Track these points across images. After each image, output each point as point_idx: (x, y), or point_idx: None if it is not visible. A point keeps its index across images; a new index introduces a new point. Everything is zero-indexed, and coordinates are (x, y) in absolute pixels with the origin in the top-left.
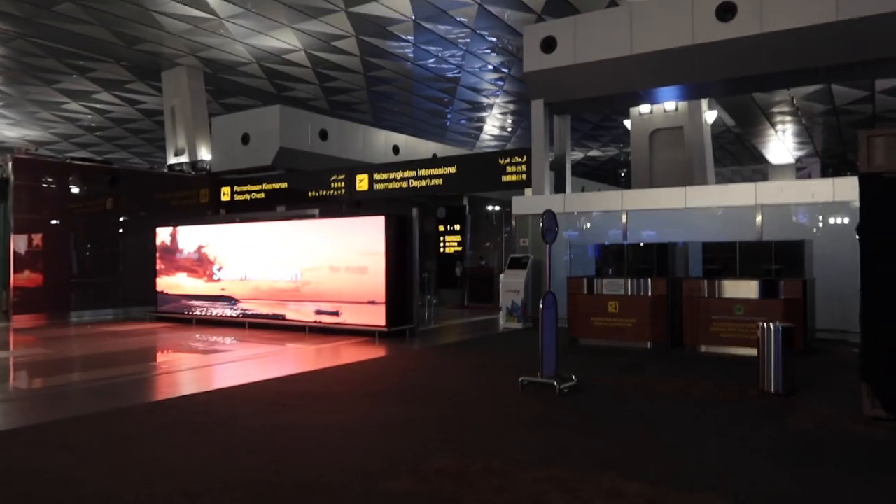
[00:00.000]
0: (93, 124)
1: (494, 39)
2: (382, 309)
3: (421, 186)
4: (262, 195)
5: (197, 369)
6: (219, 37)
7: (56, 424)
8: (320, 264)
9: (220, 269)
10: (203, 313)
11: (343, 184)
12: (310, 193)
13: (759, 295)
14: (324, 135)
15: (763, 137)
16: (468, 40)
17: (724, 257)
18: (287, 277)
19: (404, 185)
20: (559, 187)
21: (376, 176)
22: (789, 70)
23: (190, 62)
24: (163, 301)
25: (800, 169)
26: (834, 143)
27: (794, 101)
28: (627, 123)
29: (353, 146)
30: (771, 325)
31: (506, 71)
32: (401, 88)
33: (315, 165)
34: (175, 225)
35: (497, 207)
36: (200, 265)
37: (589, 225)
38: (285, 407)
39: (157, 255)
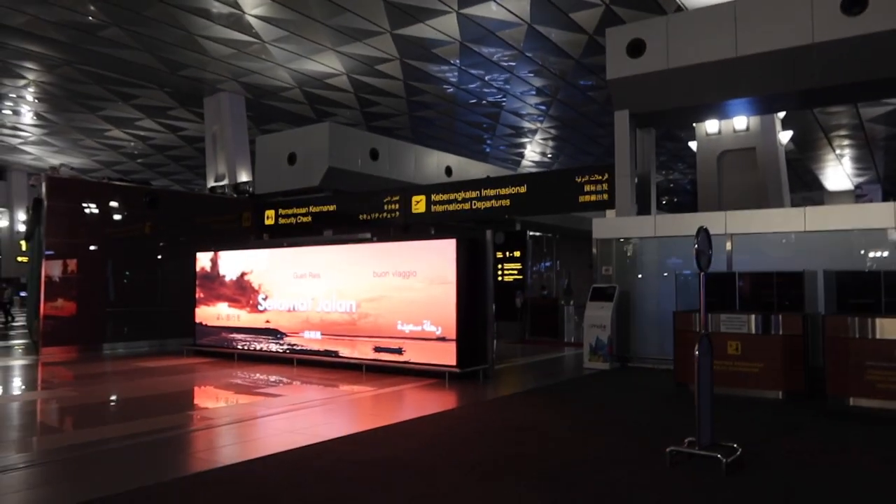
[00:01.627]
0: (135, 151)
1: (541, 62)
2: (453, 346)
3: (485, 208)
4: (308, 218)
5: (243, 423)
6: (261, 61)
7: None
8: (381, 294)
9: (265, 299)
10: (245, 347)
11: (398, 206)
12: (361, 216)
13: None
14: (374, 154)
15: (822, 162)
16: (514, 63)
17: (863, 289)
18: (342, 309)
19: (466, 206)
20: (643, 209)
21: (434, 197)
22: None
23: (232, 87)
24: (201, 333)
25: (859, 196)
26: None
27: (862, 123)
28: (693, 145)
29: (405, 167)
30: None
31: (549, 95)
32: (442, 113)
33: (365, 187)
34: (216, 250)
35: (543, 234)
36: (243, 294)
37: (683, 252)
38: (364, 485)
39: (197, 282)
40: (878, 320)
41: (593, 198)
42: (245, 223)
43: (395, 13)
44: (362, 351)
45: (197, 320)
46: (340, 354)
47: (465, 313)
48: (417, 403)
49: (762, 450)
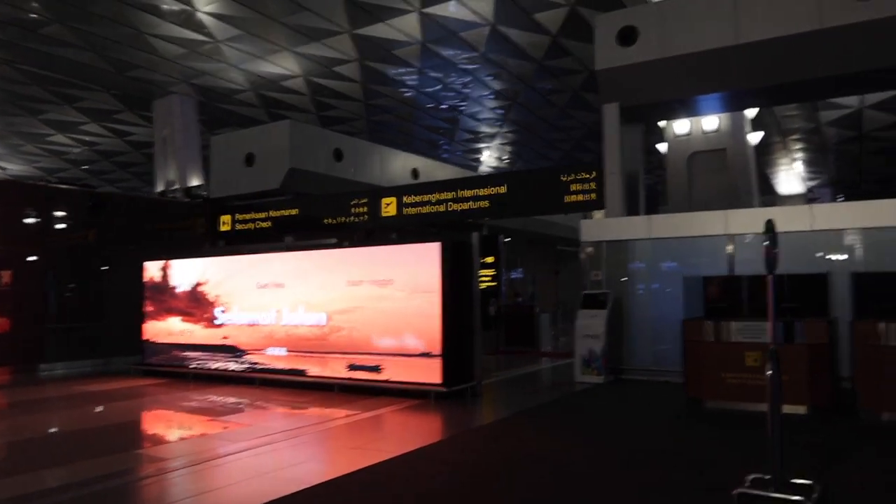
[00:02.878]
0: (79, 158)
1: (503, 65)
2: (438, 363)
3: (462, 210)
4: (268, 224)
5: (201, 466)
6: (214, 62)
7: None
8: (355, 305)
9: (222, 312)
10: (200, 367)
11: (366, 209)
12: (326, 220)
13: None
14: (338, 155)
15: (777, 166)
16: (476, 66)
17: (887, 291)
18: (310, 322)
19: (441, 208)
20: (631, 209)
21: (406, 199)
22: None
23: (183, 90)
24: (151, 351)
25: (811, 200)
26: (850, 172)
27: (819, 127)
28: (663, 147)
29: (371, 169)
30: None
31: (509, 98)
32: (401, 118)
33: (328, 189)
34: (167, 258)
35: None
36: (198, 307)
37: (680, 254)
38: None
39: (145, 294)
40: None
41: (580, 198)
42: (199, 229)
43: (355, 12)
44: (334, 369)
45: (146, 337)
46: (309, 373)
47: (451, 325)
48: (403, 432)
49: (828, 483)
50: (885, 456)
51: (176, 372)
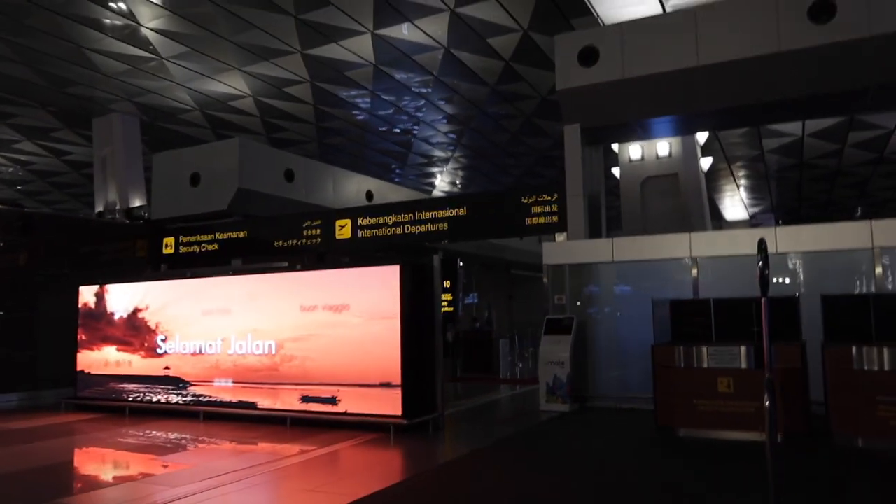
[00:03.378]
0: (13, 178)
1: (456, 89)
2: (398, 394)
3: (420, 233)
4: (214, 246)
5: None
6: (158, 80)
7: None
8: (308, 333)
9: (164, 341)
10: (139, 399)
11: (319, 231)
12: (276, 243)
13: None
14: (289, 175)
15: (723, 192)
16: (429, 90)
17: (853, 314)
18: (259, 351)
19: (398, 231)
20: (594, 232)
21: (362, 221)
22: None
23: (125, 108)
24: (85, 383)
25: (754, 225)
26: (790, 198)
27: (763, 154)
28: (616, 172)
29: (323, 190)
30: None
31: (462, 123)
32: (353, 140)
33: (279, 211)
34: (103, 282)
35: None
36: (137, 335)
37: (643, 277)
38: None
39: (80, 321)
40: (885, 350)
41: (542, 220)
42: (140, 252)
43: (307, 32)
44: (287, 401)
45: (80, 367)
46: (259, 406)
47: (412, 353)
48: (363, 472)
49: None
50: (866, 482)
51: (112, 406)
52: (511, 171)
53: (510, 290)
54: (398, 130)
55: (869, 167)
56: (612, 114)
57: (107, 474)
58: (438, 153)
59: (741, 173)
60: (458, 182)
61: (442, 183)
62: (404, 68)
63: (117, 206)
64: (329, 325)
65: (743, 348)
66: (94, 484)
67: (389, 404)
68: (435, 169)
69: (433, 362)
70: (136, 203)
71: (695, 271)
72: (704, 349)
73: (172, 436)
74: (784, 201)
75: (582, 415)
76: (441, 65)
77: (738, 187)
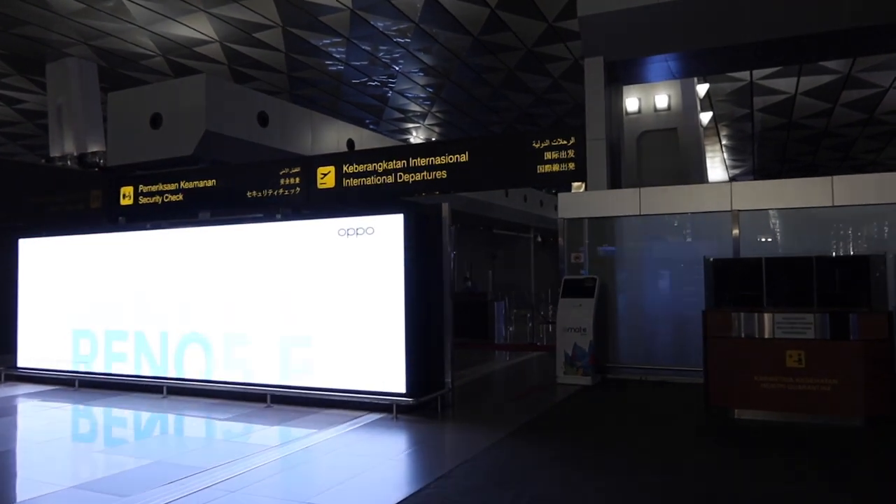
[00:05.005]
0: None
1: (437, 37)
2: (401, 366)
3: (415, 182)
4: (179, 196)
5: None
6: (118, 21)
7: None
8: (293, 292)
9: (121, 302)
10: (92, 371)
11: (298, 180)
12: (249, 194)
13: None
14: (263, 119)
15: (707, 153)
16: (408, 39)
17: None
18: (239, 318)
19: (389, 179)
20: (614, 183)
21: (347, 168)
22: None
23: (81, 52)
24: (28, 351)
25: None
26: (772, 160)
27: (752, 113)
28: None
29: (300, 138)
30: None
31: (441, 75)
32: (326, 92)
33: (251, 159)
34: (50, 234)
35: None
36: (91, 295)
37: (674, 233)
38: None
39: (19, 280)
40: None
41: (556, 167)
42: (94, 203)
43: None
44: (267, 374)
45: (22, 332)
46: (234, 379)
47: (418, 319)
48: (370, 480)
49: None
50: None
51: (60, 379)
52: (491, 129)
53: (493, 251)
54: (375, 83)
55: (857, 128)
56: (641, 45)
57: (30, 471)
58: (415, 108)
59: (725, 132)
60: (434, 140)
61: (418, 139)
62: (383, 13)
63: (71, 153)
64: (322, 286)
65: (817, 316)
66: (45, 475)
67: (391, 379)
68: (411, 125)
69: (442, 330)
70: (93, 149)
71: (735, 228)
72: (771, 316)
73: (127, 417)
74: (765, 163)
75: (608, 390)
76: (422, 11)
77: (722, 148)
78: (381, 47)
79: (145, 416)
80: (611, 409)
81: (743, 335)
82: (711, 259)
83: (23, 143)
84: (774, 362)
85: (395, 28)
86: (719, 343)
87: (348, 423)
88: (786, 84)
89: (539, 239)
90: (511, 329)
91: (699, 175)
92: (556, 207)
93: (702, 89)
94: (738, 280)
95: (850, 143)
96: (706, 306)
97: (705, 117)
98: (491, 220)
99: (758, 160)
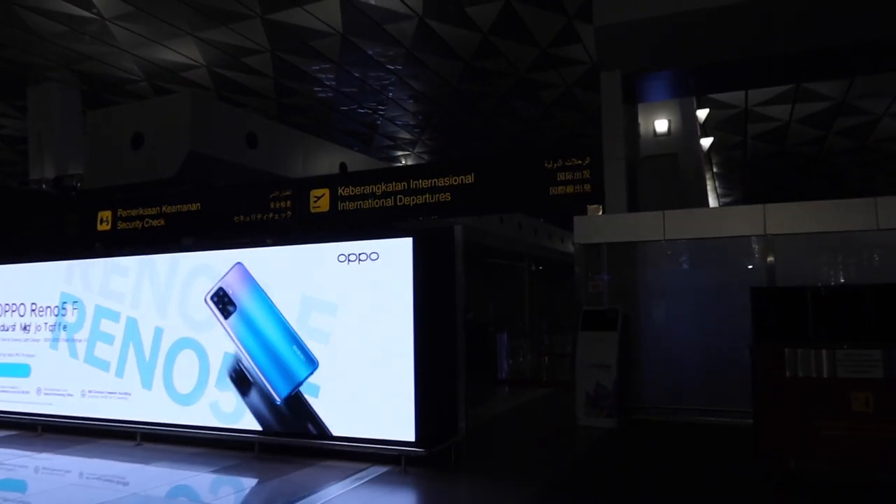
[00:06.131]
0: None
1: (428, 63)
2: (410, 411)
3: (416, 205)
4: (160, 221)
5: None
6: (101, 44)
7: None
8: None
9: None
10: (56, 412)
11: (289, 203)
12: (236, 218)
13: None
14: (252, 140)
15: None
16: (399, 66)
17: None
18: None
19: (388, 202)
20: (631, 206)
21: (342, 191)
22: None
23: (63, 76)
24: None
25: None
26: (761, 188)
27: (745, 141)
28: None
29: (291, 160)
30: None
31: (433, 102)
32: (315, 120)
33: (238, 181)
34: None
35: None
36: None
37: (701, 260)
38: None
39: None
40: None
41: (570, 189)
42: (69, 228)
43: None
44: (252, 417)
45: None
46: (210, 425)
47: (429, 356)
48: None
49: None
50: None
51: (18, 422)
52: (482, 157)
53: (487, 280)
54: (365, 110)
55: (849, 156)
56: (663, 58)
57: None
58: (405, 135)
59: (717, 160)
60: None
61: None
62: (374, 38)
63: (47, 177)
64: (319, 320)
65: (885, 352)
66: None
67: (398, 425)
68: (401, 153)
69: (455, 369)
70: (71, 171)
71: (769, 254)
72: (832, 353)
73: (103, 481)
74: (756, 192)
75: (636, 435)
76: (414, 36)
77: (714, 176)
78: (372, 73)
79: (117, 472)
80: (646, 460)
81: (800, 374)
82: (759, 288)
83: (1, 169)
84: (837, 405)
85: (386, 54)
86: (772, 382)
87: (350, 480)
88: (780, 111)
89: (534, 268)
90: (510, 362)
91: (700, 203)
92: (549, 236)
93: (701, 115)
94: (788, 311)
95: (842, 171)
96: (754, 341)
97: (706, 143)
98: (485, 248)
99: (747, 189)
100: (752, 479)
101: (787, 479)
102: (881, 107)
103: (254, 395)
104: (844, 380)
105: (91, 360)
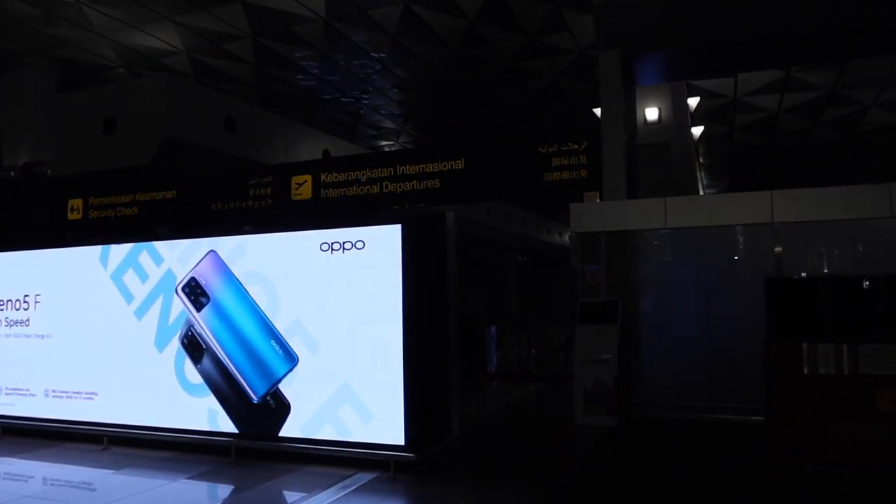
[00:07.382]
0: None
1: (413, 51)
2: (399, 412)
3: (403, 192)
4: (134, 210)
5: None
6: (77, 29)
7: None
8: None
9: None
10: (11, 413)
11: (269, 190)
12: (214, 206)
13: None
14: (230, 125)
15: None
16: (383, 54)
17: None
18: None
19: (373, 189)
20: (630, 193)
21: (326, 177)
22: None
23: (37, 62)
24: None
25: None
26: (746, 177)
27: (732, 132)
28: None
29: (271, 146)
30: None
31: (417, 89)
32: (297, 108)
33: (215, 168)
34: None
35: None
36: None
37: (704, 249)
38: None
39: None
40: None
41: (566, 174)
42: (39, 217)
43: None
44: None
45: None
46: (177, 427)
47: (419, 355)
48: None
49: None
50: None
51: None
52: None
53: (473, 272)
54: (348, 98)
55: (837, 146)
56: (667, 36)
57: None
58: (389, 124)
59: (703, 149)
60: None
61: None
62: (358, 24)
63: (15, 164)
64: (303, 312)
65: None
66: None
67: (386, 429)
68: (385, 142)
69: (447, 366)
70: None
71: (777, 245)
72: (854, 348)
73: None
74: (738, 180)
75: (638, 434)
76: (399, 22)
77: (699, 166)
78: (356, 61)
79: (82, 481)
80: (655, 465)
81: (820, 370)
82: (775, 278)
83: None
84: (860, 404)
85: (370, 40)
86: (788, 380)
87: (334, 490)
88: (769, 101)
89: (520, 258)
90: (499, 355)
91: (693, 187)
92: (536, 226)
93: (692, 103)
94: (806, 303)
95: (830, 161)
96: (767, 335)
97: (697, 132)
98: (471, 239)
99: (733, 180)
100: (774, 488)
101: (806, 483)
102: (871, 97)
103: (229, 393)
104: (868, 377)
105: None
